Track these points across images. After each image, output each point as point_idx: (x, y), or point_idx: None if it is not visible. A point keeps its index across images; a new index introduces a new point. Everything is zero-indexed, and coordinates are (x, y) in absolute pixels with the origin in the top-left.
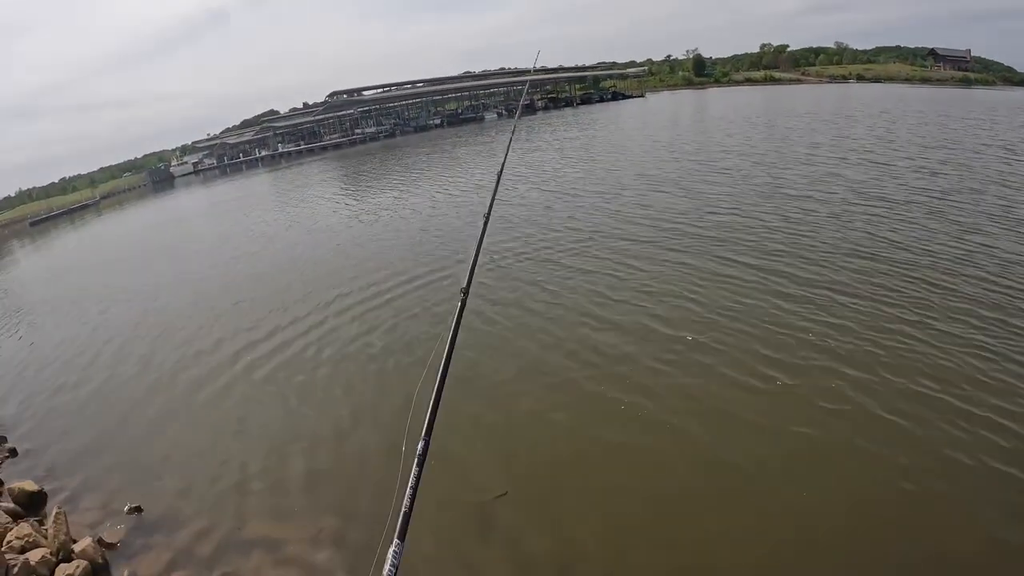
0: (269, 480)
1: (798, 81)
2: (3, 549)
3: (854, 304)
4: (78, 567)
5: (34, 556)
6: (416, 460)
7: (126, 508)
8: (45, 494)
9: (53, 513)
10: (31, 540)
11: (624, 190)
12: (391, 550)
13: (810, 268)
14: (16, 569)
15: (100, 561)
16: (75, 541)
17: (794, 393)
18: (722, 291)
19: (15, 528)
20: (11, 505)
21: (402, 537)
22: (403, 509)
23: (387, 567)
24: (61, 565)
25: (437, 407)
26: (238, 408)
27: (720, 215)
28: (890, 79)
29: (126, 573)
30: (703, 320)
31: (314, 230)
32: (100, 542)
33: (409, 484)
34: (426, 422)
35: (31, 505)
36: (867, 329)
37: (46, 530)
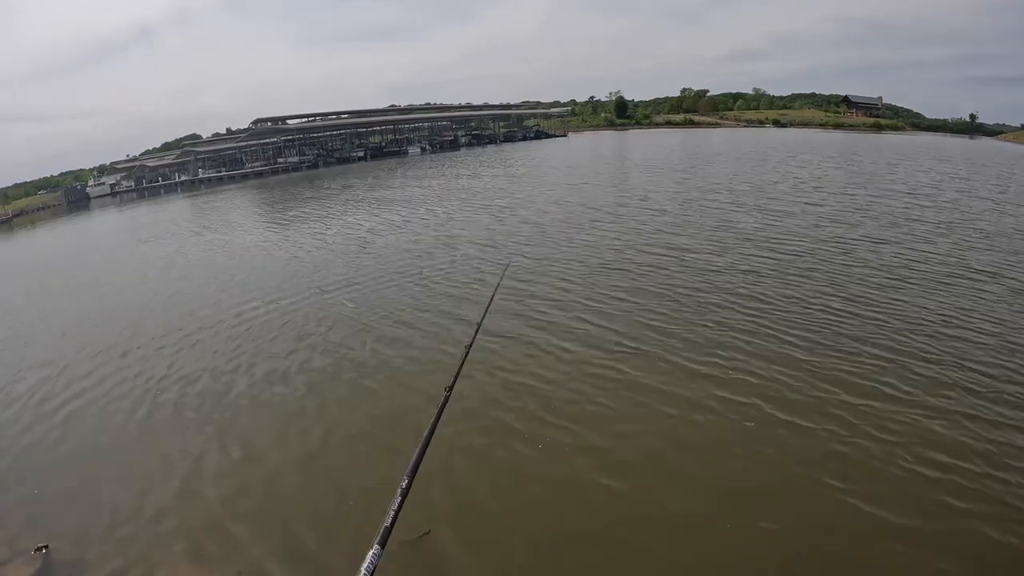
0: (186, 518)
1: (716, 125)
2: None
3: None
4: None
5: None
6: (408, 471)
7: (34, 548)
8: None
9: None
10: None
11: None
12: (371, 553)
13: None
14: None
15: None
16: None
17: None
18: None
19: None
20: None
21: (383, 544)
22: (388, 520)
23: (364, 567)
24: None
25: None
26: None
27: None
28: (805, 124)
29: None
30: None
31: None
32: None
33: (398, 494)
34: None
35: None
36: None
37: None
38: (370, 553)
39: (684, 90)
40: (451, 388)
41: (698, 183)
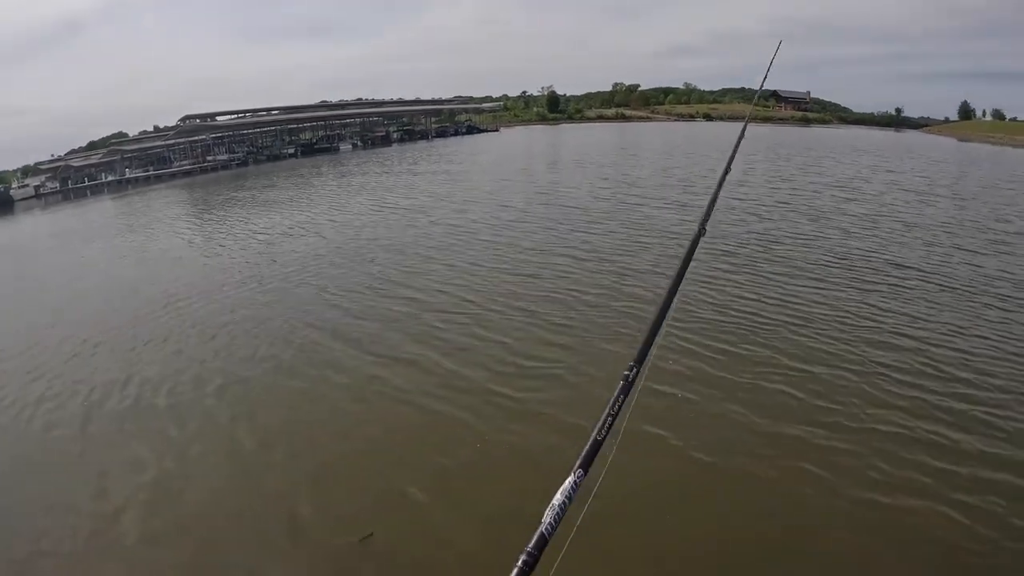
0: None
1: (648, 119)
2: None
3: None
4: None
5: None
6: (620, 388)
7: None
8: None
9: None
10: None
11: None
12: (570, 479)
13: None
14: None
15: None
16: None
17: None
18: None
19: None
20: None
21: (585, 468)
22: (593, 438)
23: (560, 496)
24: None
25: (654, 337)
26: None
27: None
28: (734, 117)
29: None
30: None
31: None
32: None
33: (606, 413)
34: (639, 351)
35: None
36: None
37: None
38: (569, 480)
39: (616, 84)
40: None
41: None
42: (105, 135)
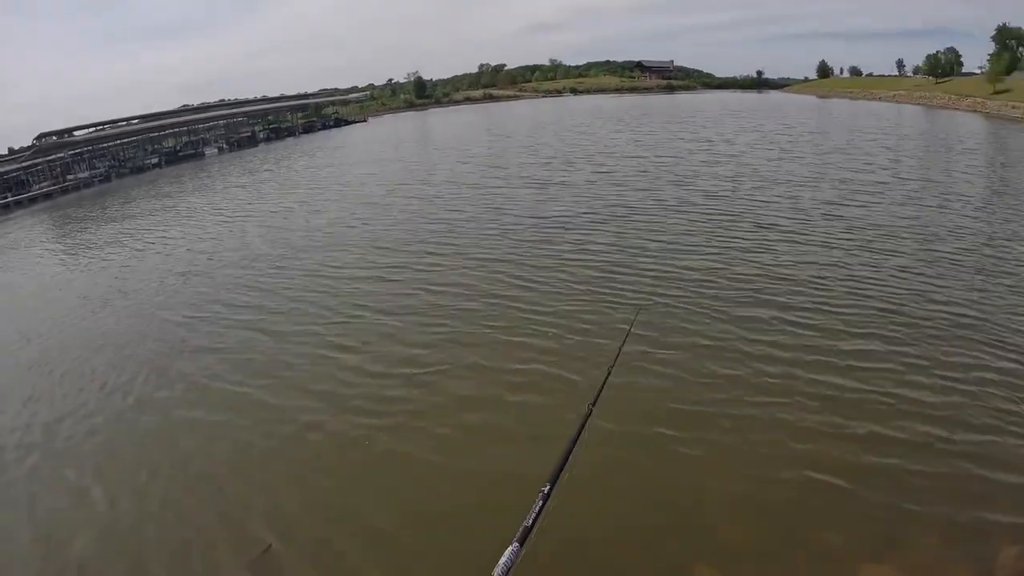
0: None
1: (516, 97)
2: None
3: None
4: None
5: None
6: (550, 477)
7: None
8: None
9: None
10: None
11: None
12: (509, 550)
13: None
14: None
15: None
16: None
17: None
18: None
19: None
20: None
21: (521, 543)
22: (528, 521)
23: (500, 566)
24: None
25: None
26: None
27: None
28: (601, 90)
29: None
30: None
31: None
32: None
33: (539, 497)
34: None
35: None
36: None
37: None
38: (508, 550)
39: (482, 66)
40: (594, 404)
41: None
42: None
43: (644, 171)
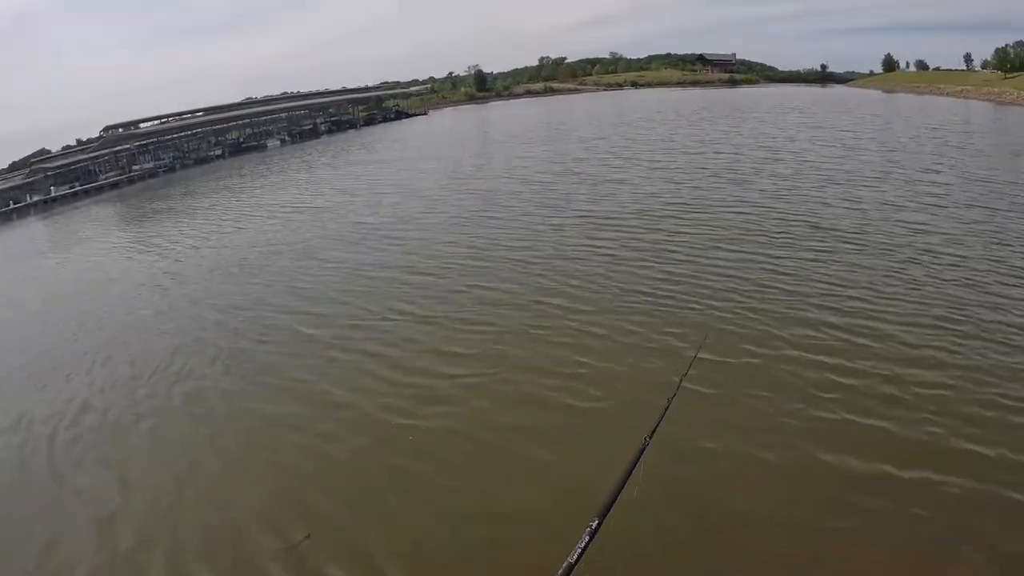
0: None
1: (576, 91)
2: None
3: None
4: None
5: None
6: (599, 511)
7: None
8: None
9: None
10: None
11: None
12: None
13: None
14: None
15: None
16: None
17: None
18: None
19: None
20: None
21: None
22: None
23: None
24: None
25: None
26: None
27: None
28: (663, 84)
29: None
30: None
31: None
32: None
33: (586, 533)
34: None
35: None
36: None
37: None
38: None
39: (542, 59)
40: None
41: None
42: (27, 154)
43: (703, 168)
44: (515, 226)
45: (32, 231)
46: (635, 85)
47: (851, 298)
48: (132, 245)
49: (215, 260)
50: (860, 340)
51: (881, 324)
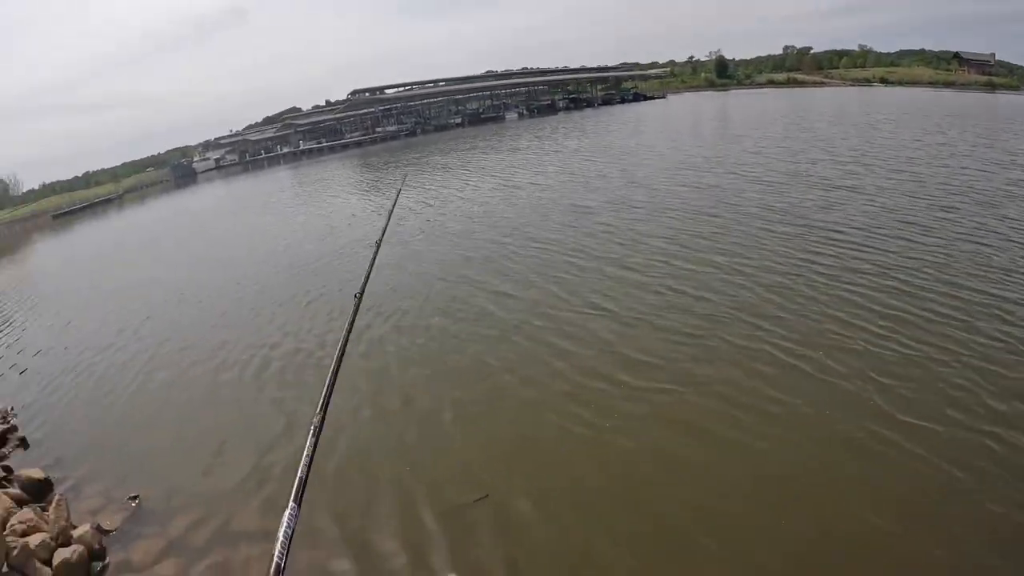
0: (259, 475)
1: (821, 84)
2: (5, 532)
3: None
4: (75, 551)
5: (34, 540)
6: (312, 431)
7: (127, 497)
8: (51, 482)
9: (55, 500)
10: (32, 525)
11: None
12: (287, 513)
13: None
14: (16, 552)
15: (97, 547)
16: (75, 527)
17: None
18: None
19: (18, 513)
20: (18, 491)
21: (298, 501)
22: (299, 476)
23: (283, 529)
24: (59, 549)
25: (333, 386)
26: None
27: None
28: (914, 82)
29: (121, 558)
30: None
31: None
32: (99, 528)
33: (305, 453)
34: (322, 397)
35: (37, 492)
36: None
37: (48, 516)
38: (286, 514)
39: (787, 48)
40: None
41: None
42: (280, 110)
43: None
44: (735, 227)
45: (286, 178)
46: (884, 82)
47: None
48: (358, 197)
49: (431, 220)
50: None
51: None
